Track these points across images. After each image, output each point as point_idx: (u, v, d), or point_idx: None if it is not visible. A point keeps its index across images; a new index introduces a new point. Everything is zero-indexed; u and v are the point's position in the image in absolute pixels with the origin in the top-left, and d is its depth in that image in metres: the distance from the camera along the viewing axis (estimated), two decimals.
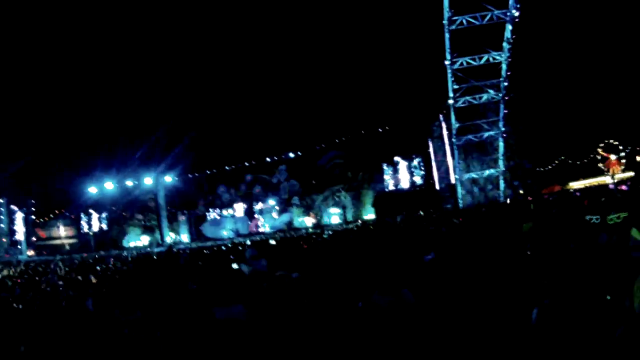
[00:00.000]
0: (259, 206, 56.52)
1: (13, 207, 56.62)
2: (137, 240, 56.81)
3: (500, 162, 36.65)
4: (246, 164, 57.53)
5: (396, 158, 51.38)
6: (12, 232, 56.87)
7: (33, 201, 58.10)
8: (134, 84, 61.73)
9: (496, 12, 29.21)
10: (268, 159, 57.28)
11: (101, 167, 54.05)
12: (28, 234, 56.99)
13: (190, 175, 59.12)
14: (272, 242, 23.29)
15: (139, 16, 60.51)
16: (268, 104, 58.73)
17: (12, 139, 53.71)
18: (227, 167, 58.19)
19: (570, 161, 41.41)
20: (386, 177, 52.06)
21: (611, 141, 39.34)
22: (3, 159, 50.77)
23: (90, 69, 60.71)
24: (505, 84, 32.77)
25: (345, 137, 54.37)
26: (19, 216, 57.26)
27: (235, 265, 10.34)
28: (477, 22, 30.07)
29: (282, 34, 58.92)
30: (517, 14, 28.57)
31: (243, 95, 58.96)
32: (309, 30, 59.12)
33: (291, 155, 56.61)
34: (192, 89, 62.81)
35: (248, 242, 30.43)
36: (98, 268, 20.95)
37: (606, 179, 35.57)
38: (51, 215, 62.12)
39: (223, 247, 28.44)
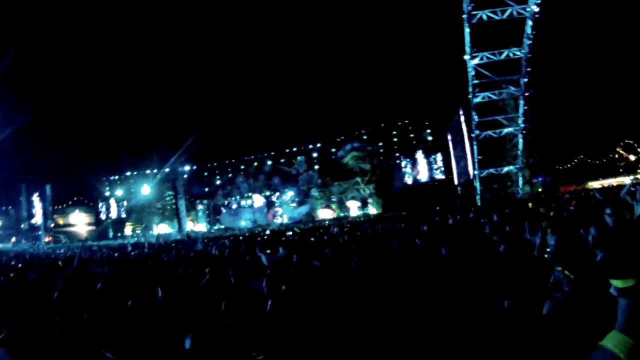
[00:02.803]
0: (278, 197, 56.69)
1: (32, 193, 57.73)
2: (155, 228, 57.48)
3: (519, 159, 36.16)
4: (265, 154, 57.73)
5: (415, 152, 51.08)
6: (31, 218, 57.98)
7: (51, 187, 58.83)
8: (155, 75, 62.32)
9: (516, 7, 28.75)
10: (287, 150, 57.39)
11: (121, 155, 54.78)
12: (46, 220, 57.80)
13: (209, 165, 59.52)
14: (290, 233, 23.15)
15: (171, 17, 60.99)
16: (289, 95, 58.80)
17: (33, 126, 54.71)
18: (246, 158, 58.47)
19: (589, 160, 40.70)
20: (405, 170, 51.80)
21: (631, 141, 38.52)
22: (22, 146, 51.68)
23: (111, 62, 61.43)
24: (525, 80, 32.24)
25: (365, 130, 54.23)
26: (37, 202, 58.19)
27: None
28: (497, 17, 29.62)
29: (305, 27, 58.91)
30: (537, 9, 28.04)
31: (264, 87, 59.06)
32: (332, 24, 58.91)
33: (310, 146, 56.63)
34: (213, 80, 63.07)
35: (267, 232, 30.56)
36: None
37: (625, 180, 34.79)
38: (69, 202, 62.93)
39: (240, 237, 28.57)
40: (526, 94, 33.09)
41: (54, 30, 61.31)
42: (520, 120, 34.47)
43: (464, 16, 30.15)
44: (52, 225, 59.77)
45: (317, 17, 59.05)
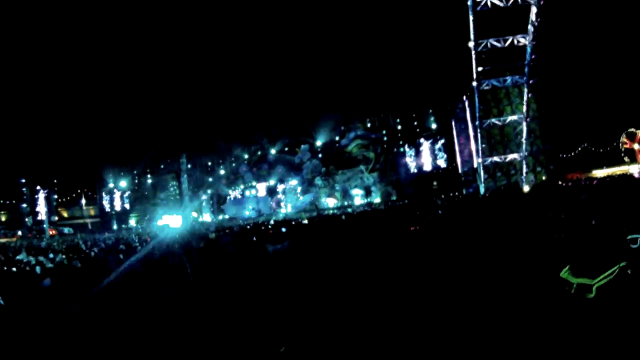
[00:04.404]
0: (281, 186, 56.68)
1: (35, 186, 57.76)
2: (159, 219, 57.53)
3: (523, 147, 36.03)
4: (269, 143, 57.60)
5: (419, 140, 50.97)
6: (35, 212, 57.95)
7: (55, 180, 58.82)
8: (155, 65, 62.22)
9: None
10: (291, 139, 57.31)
11: (124, 146, 54.82)
12: (50, 214, 57.84)
13: (212, 155, 59.42)
14: (305, 221, 23.20)
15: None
16: (291, 84, 58.49)
17: (35, 120, 54.84)
18: (249, 147, 58.37)
19: (593, 148, 40.59)
20: (408, 158, 51.75)
21: (634, 130, 38.25)
22: (26, 139, 51.82)
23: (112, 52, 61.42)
24: (530, 67, 32.06)
25: (368, 118, 54.09)
26: (41, 196, 58.17)
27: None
28: (501, 4, 29.30)
29: (305, 15, 58.58)
30: None
31: (266, 75, 58.83)
32: (333, 12, 58.54)
33: (314, 135, 56.53)
34: (216, 69, 62.83)
35: (272, 222, 30.60)
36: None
37: (630, 169, 34.68)
38: (73, 195, 62.80)
39: (248, 227, 28.74)
40: (530, 81, 32.92)
41: (57, 24, 61.18)
42: (524, 108, 34.30)
43: (469, 3, 29.91)
44: (57, 218, 59.75)
45: (318, 5, 58.69)
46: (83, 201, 63.15)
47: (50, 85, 58.57)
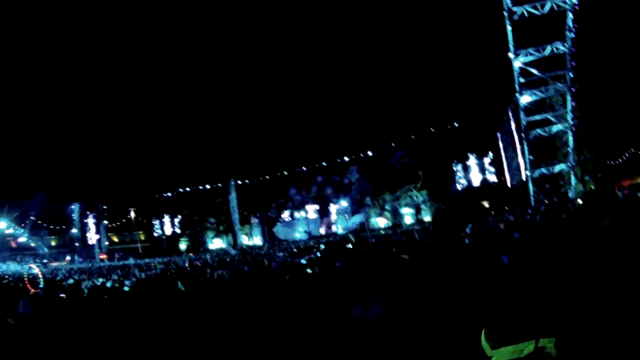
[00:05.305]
0: (331, 207, 56.87)
1: (86, 212, 59.86)
2: (210, 243, 58.56)
3: (571, 157, 35.12)
4: (317, 165, 58.06)
5: (467, 155, 50.39)
6: (85, 237, 59.87)
7: (105, 206, 60.75)
8: (205, 91, 64.14)
9: (556, 0, 28.17)
10: (339, 160, 57.60)
11: (174, 171, 56.48)
12: (100, 239, 59.63)
13: (261, 178, 60.30)
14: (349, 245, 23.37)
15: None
16: (338, 104, 59.16)
17: (86, 145, 57.29)
18: (298, 169, 58.97)
19: None
20: (457, 175, 51.18)
21: None
22: (77, 165, 54.11)
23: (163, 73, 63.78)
24: (571, 75, 31.35)
25: (414, 136, 53.89)
26: (91, 221, 60.12)
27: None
28: (537, 12, 29.02)
29: (350, 34, 59.36)
30: (576, 0, 27.40)
31: (313, 97, 59.69)
32: (375, 30, 59.07)
33: (362, 155, 56.73)
34: (265, 92, 64.15)
35: (322, 246, 30.83)
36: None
37: None
38: (124, 220, 64.41)
39: (295, 250, 29.06)
40: (573, 89, 32.18)
41: (110, 51, 64.19)
42: (569, 117, 33.51)
43: (505, 13, 29.78)
44: (107, 243, 61.39)
45: (361, 22, 59.52)
46: (133, 225, 64.50)
47: (101, 113, 61.33)
